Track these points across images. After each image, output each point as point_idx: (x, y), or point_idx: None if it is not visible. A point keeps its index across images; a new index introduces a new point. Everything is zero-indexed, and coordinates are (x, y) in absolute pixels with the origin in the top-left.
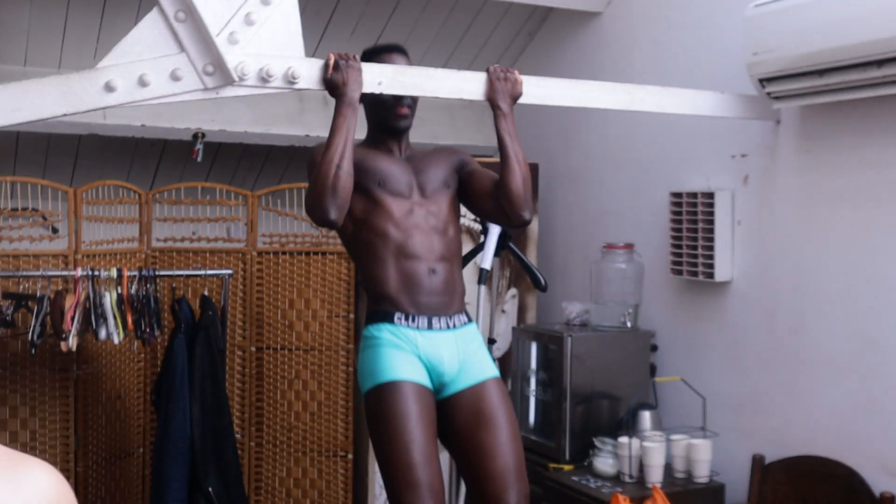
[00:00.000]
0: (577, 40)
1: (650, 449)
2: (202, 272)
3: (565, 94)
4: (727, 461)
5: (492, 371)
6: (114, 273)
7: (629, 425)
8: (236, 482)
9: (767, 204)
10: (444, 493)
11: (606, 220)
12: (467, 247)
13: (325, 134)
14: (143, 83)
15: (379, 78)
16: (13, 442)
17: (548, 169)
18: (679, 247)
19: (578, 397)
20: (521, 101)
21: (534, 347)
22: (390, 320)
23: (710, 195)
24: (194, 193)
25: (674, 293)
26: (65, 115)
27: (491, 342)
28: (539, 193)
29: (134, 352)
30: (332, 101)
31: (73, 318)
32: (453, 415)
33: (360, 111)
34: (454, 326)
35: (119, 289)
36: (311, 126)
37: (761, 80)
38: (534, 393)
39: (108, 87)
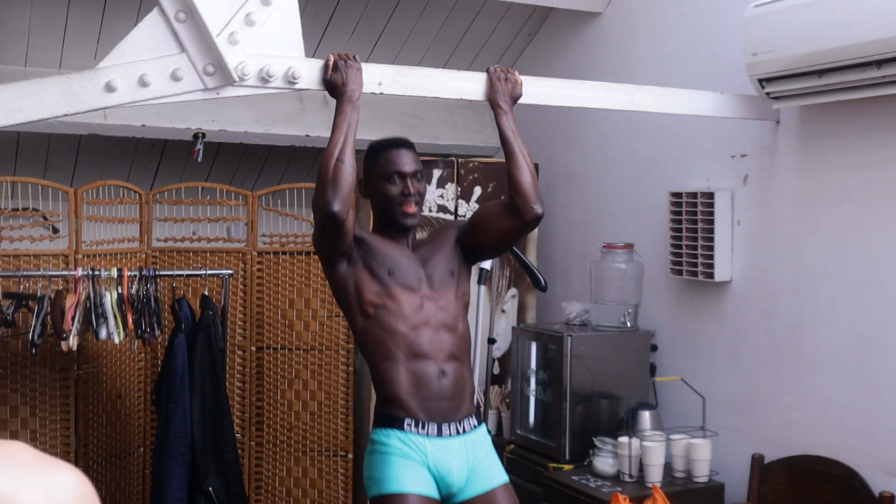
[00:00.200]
0: (577, 40)
1: (650, 448)
2: (202, 272)
3: (565, 94)
4: (727, 461)
5: (501, 477)
6: (114, 273)
7: (629, 425)
8: (236, 482)
9: (767, 204)
10: None
11: (606, 220)
12: None
13: (325, 134)
14: (143, 83)
15: (379, 78)
16: None
17: (548, 169)
18: (679, 247)
19: (578, 397)
20: (521, 101)
21: (534, 347)
22: (400, 427)
23: (710, 195)
24: (194, 193)
25: (673, 293)
26: (65, 115)
27: (491, 342)
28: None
29: (134, 351)
30: (333, 101)
31: (73, 318)
32: None
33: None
34: (464, 432)
35: (119, 289)
36: (312, 126)
37: (761, 81)
38: (534, 393)
39: (109, 88)
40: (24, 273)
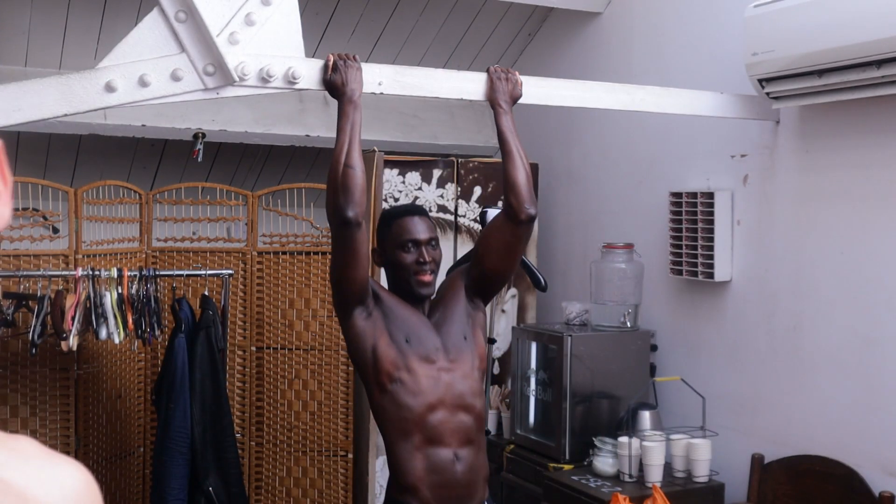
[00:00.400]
0: (577, 40)
1: (650, 448)
2: (202, 272)
3: (565, 94)
4: (727, 460)
5: None
6: (114, 273)
7: (629, 425)
8: (236, 481)
9: (767, 204)
10: None
11: (606, 220)
12: (467, 246)
13: (325, 134)
14: (143, 83)
15: (379, 78)
16: None
17: (548, 169)
18: (679, 247)
19: (578, 397)
20: (521, 101)
21: (534, 347)
22: None
23: (710, 195)
24: (195, 193)
25: (673, 293)
26: (65, 115)
27: (491, 342)
28: (539, 193)
29: (134, 351)
30: (333, 101)
31: (73, 318)
32: None
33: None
34: None
35: (119, 288)
36: (312, 126)
37: (761, 81)
38: (534, 393)
39: (109, 88)
40: (24, 273)
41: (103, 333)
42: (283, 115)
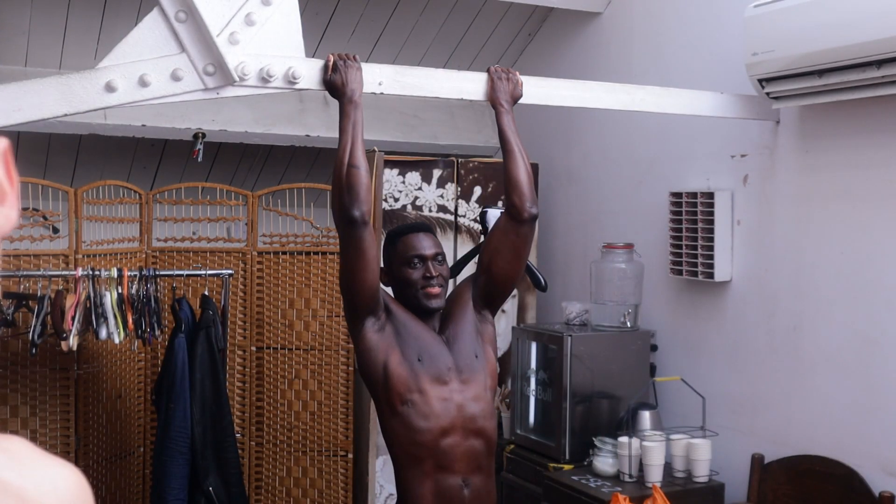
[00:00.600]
0: (577, 40)
1: (650, 448)
2: (202, 272)
3: (565, 95)
4: (727, 460)
5: None
6: (114, 273)
7: (629, 425)
8: (236, 481)
9: (767, 204)
10: None
11: (606, 220)
12: (467, 246)
13: (325, 134)
14: (143, 83)
15: (379, 78)
16: None
17: (548, 169)
18: (679, 247)
19: (578, 397)
20: (522, 101)
21: (534, 347)
22: None
23: (710, 195)
24: (195, 193)
25: (673, 293)
26: (65, 115)
27: None
28: (539, 193)
29: (134, 351)
30: (333, 101)
31: (73, 318)
32: None
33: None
34: None
35: (119, 288)
36: (312, 126)
37: (761, 81)
38: (534, 393)
39: (109, 88)
40: (24, 273)
41: (103, 333)
42: (283, 115)
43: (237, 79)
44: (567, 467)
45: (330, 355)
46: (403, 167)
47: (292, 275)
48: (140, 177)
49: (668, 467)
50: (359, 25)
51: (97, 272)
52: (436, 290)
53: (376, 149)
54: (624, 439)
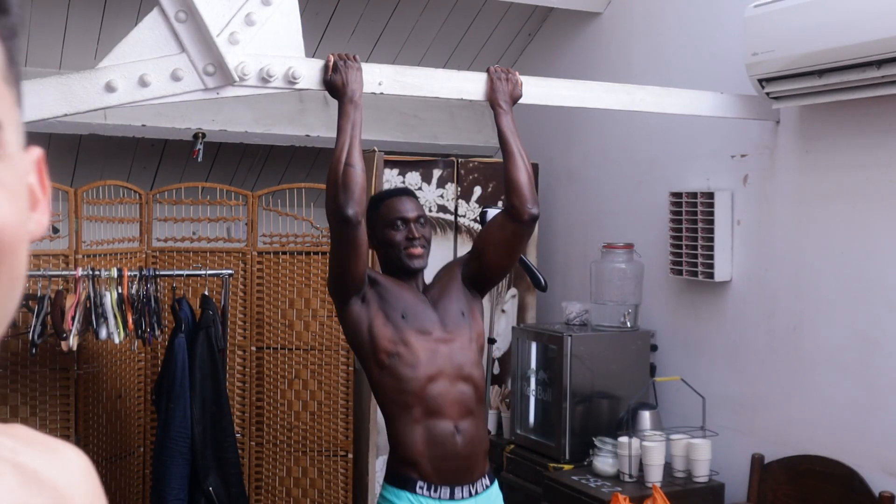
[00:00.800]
0: (577, 40)
1: (650, 448)
2: (202, 272)
3: (565, 95)
4: (727, 460)
5: None
6: (114, 273)
7: (629, 425)
8: (236, 481)
9: (767, 204)
10: None
11: (606, 220)
12: (467, 247)
13: (325, 134)
14: (143, 83)
15: (379, 78)
16: None
17: (548, 169)
18: (679, 247)
19: (578, 397)
20: (521, 101)
21: (534, 347)
22: (412, 489)
23: (710, 195)
24: (195, 193)
25: (673, 293)
26: (65, 115)
27: (491, 342)
28: (539, 193)
29: (134, 351)
30: (333, 101)
31: (73, 318)
32: None
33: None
34: (476, 493)
35: (119, 288)
36: (312, 126)
37: (761, 81)
38: (534, 393)
39: (109, 88)
40: None
41: (103, 333)
42: (283, 115)
43: (237, 79)
44: (567, 467)
45: (330, 355)
46: (403, 167)
47: (292, 275)
48: (140, 177)
49: (668, 467)
50: (359, 25)
51: (97, 272)
52: (418, 250)
53: (376, 149)
54: (624, 439)
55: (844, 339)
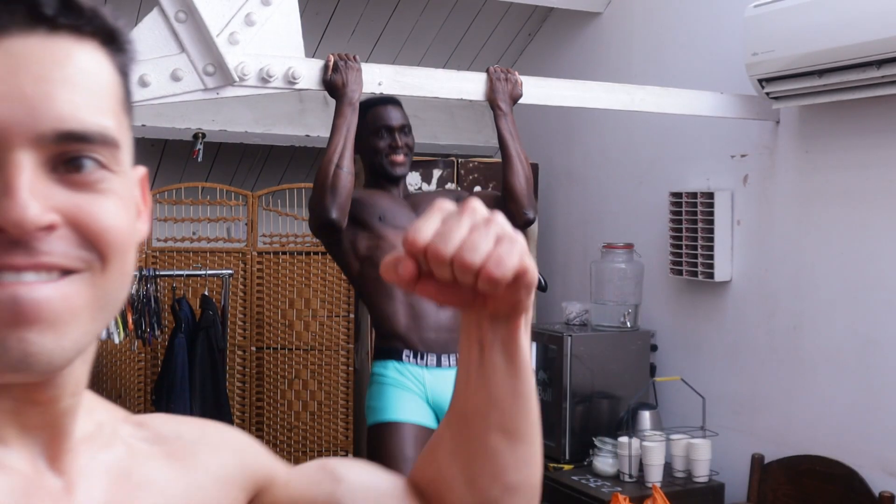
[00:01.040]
0: (577, 40)
1: (650, 448)
2: (202, 272)
3: (565, 95)
4: (727, 461)
5: None
6: None
7: (629, 425)
8: None
9: (767, 204)
10: None
11: (606, 220)
12: None
13: (325, 134)
14: (143, 83)
15: (379, 78)
16: None
17: (548, 169)
18: (679, 247)
19: (578, 397)
20: (521, 101)
21: (534, 347)
22: (398, 358)
23: (710, 195)
24: (195, 193)
25: (673, 293)
26: None
27: None
28: (539, 193)
29: (134, 351)
30: (333, 101)
31: None
32: None
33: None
34: None
35: None
36: (312, 126)
37: (761, 81)
38: None
39: None
40: None
41: (103, 333)
42: (283, 115)
43: (237, 79)
44: (567, 467)
45: (330, 355)
46: None
47: (292, 275)
48: None
49: (668, 467)
50: (359, 25)
51: None
52: (400, 157)
53: None
54: (624, 439)
55: (844, 339)
